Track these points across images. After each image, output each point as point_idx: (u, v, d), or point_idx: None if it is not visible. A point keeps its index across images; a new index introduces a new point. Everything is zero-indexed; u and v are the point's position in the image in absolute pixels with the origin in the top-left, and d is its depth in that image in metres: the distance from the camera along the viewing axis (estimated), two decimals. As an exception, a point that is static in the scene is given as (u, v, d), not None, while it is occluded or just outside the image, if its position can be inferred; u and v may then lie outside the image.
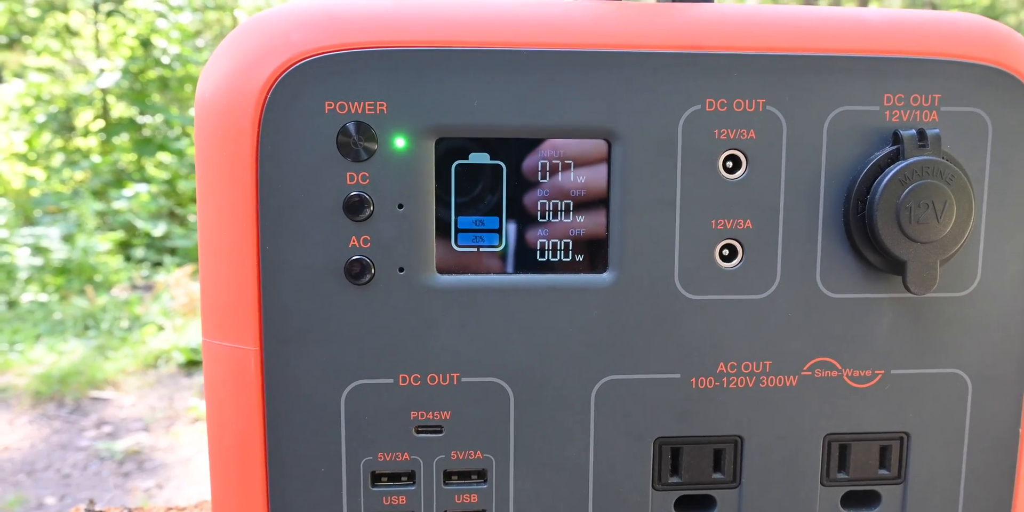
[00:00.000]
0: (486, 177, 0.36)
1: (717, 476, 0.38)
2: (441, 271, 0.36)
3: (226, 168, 0.35)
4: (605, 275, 0.37)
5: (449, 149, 0.36)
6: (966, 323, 0.38)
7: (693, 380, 0.37)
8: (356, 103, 0.34)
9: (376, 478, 0.37)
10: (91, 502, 0.51)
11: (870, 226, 0.36)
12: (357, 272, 0.35)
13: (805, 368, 0.38)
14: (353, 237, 0.35)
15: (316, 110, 0.34)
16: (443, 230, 0.36)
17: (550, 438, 0.37)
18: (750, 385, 0.37)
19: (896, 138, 0.36)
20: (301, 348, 0.36)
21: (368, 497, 0.37)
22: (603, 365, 0.37)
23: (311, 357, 0.36)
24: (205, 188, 0.36)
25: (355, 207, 0.35)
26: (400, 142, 0.35)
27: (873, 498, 0.39)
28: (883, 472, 0.39)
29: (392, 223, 0.35)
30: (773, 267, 0.37)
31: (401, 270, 0.36)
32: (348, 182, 0.35)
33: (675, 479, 0.38)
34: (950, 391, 0.38)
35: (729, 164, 0.36)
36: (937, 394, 0.38)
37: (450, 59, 0.34)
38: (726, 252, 0.37)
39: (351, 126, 0.34)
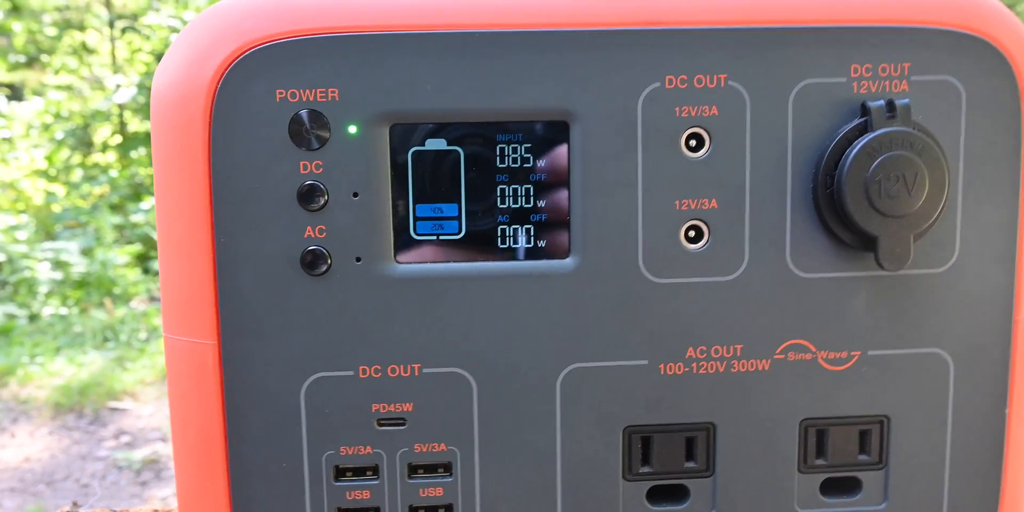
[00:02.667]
0: (443, 163, 0.35)
1: (690, 465, 0.37)
2: (400, 260, 0.36)
3: (179, 160, 0.35)
4: (567, 260, 0.36)
5: (404, 135, 0.35)
6: (945, 300, 0.37)
7: (662, 366, 0.36)
8: (307, 91, 0.34)
9: (339, 472, 0.36)
10: (75, 504, 0.51)
11: (839, 201, 0.34)
12: (313, 262, 0.35)
13: (778, 351, 0.37)
14: (308, 227, 0.35)
15: (267, 98, 0.34)
16: (401, 218, 0.36)
17: (516, 429, 0.36)
18: (721, 370, 0.37)
19: (864, 110, 0.35)
20: (259, 341, 0.35)
21: (331, 492, 0.36)
22: (568, 352, 0.36)
23: (269, 350, 0.35)
24: (161, 181, 0.35)
25: (309, 196, 0.34)
26: (353, 129, 0.34)
27: (853, 485, 0.38)
28: (863, 457, 0.38)
29: (347, 212, 0.35)
30: (741, 247, 0.36)
31: (358, 260, 0.35)
32: (301, 171, 0.34)
33: (646, 469, 0.37)
34: (931, 372, 0.37)
35: (692, 142, 0.35)
36: (917, 375, 0.37)
37: (401, 43, 0.34)
38: (692, 233, 0.36)
39: (303, 114, 0.34)
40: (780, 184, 0.36)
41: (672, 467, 0.37)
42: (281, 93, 0.34)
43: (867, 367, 0.37)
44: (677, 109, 0.35)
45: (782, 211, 0.36)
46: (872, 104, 0.34)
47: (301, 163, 0.34)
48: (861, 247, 0.36)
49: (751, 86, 0.35)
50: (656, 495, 0.38)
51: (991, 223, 0.36)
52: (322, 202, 0.34)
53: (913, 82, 0.35)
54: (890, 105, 0.34)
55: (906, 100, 0.34)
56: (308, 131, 0.34)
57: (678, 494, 0.38)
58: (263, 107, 0.34)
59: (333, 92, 0.34)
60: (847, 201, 0.34)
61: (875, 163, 0.34)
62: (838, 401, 0.37)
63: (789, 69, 0.35)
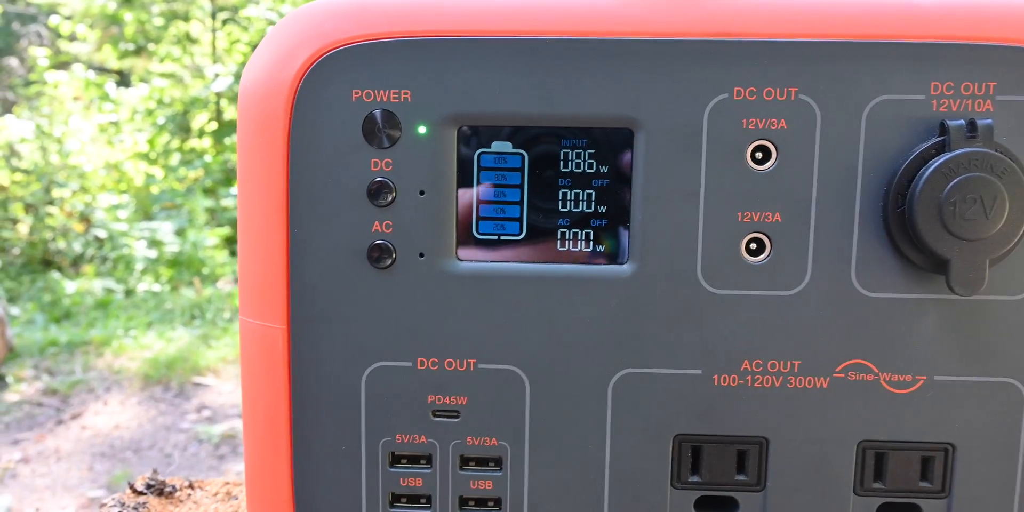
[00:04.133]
0: (508, 166, 0.36)
1: (740, 478, 0.37)
2: (461, 258, 0.37)
3: (261, 153, 0.37)
4: (625, 266, 0.36)
5: (472, 137, 0.36)
6: (1020, 329, 0.35)
7: (715, 377, 0.36)
8: (381, 91, 0.35)
9: (395, 459, 0.38)
10: (155, 472, 0.55)
11: (910, 221, 0.34)
12: (379, 256, 0.36)
13: (837, 370, 0.36)
14: (376, 222, 0.36)
15: (344, 98, 0.35)
16: (464, 217, 0.37)
17: (566, 429, 0.37)
18: (776, 385, 0.36)
19: (943, 128, 0.34)
20: (324, 328, 0.37)
21: (386, 477, 0.38)
22: (622, 357, 0.36)
23: (334, 337, 0.37)
24: (244, 174, 0.38)
25: (378, 193, 0.36)
26: (423, 130, 0.36)
27: (913, 511, 0.37)
28: (924, 485, 0.37)
29: (413, 209, 0.36)
30: (804, 262, 0.36)
31: (421, 256, 0.36)
32: (372, 168, 0.36)
33: (695, 478, 0.37)
34: (1002, 402, 0.36)
35: (758, 155, 0.35)
36: (987, 404, 0.36)
37: (473, 48, 0.35)
38: (753, 246, 0.36)
39: (376, 113, 0.35)
40: (848, 201, 0.35)
41: (722, 479, 0.37)
42: (357, 93, 0.35)
43: (932, 393, 0.36)
44: (744, 121, 0.35)
45: (849, 228, 0.35)
46: (951, 123, 0.33)
47: (372, 161, 0.36)
48: (932, 269, 0.35)
49: (823, 100, 0.35)
50: (704, 506, 0.38)
51: (1075, 249, 0.35)
52: (390, 199, 0.36)
53: (998, 102, 0.34)
54: (971, 124, 0.33)
55: (989, 120, 0.33)
56: (380, 130, 0.35)
57: (726, 506, 0.38)
58: (340, 106, 0.35)
59: (406, 93, 0.35)
60: (918, 221, 0.33)
61: (951, 184, 0.33)
62: (900, 425, 0.36)
63: (864, 84, 0.34)
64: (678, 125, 0.35)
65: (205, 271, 3.92)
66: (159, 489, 0.53)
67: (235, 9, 4.99)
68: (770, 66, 0.34)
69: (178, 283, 3.83)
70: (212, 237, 4.07)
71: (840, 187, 0.35)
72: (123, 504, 0.51)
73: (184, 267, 3.92)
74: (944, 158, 0.33)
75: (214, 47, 5.10)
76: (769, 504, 0.37)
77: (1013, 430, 0.36)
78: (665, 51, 0.34)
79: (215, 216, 4.38)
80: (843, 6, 0.35)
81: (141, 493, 0.53)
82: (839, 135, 0.35)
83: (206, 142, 5.02)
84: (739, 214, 0.35)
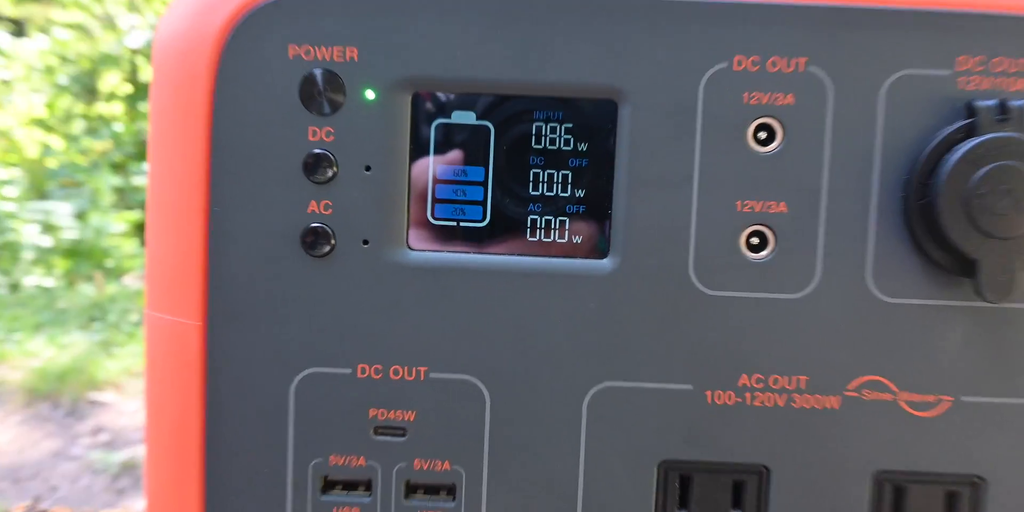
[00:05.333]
0: (471, 140, 0.37)
1: (734, 512, 0.38)
2: (413, 246, 0.37)
3: (178, 119, 0.37)
4: (606, 261, 0.37)
5: (428, 105, 0.37)
6: (1059, 343, 0.36)
7: (708, 393, 0.37)
8: (324, 48, 0.36)
9: (328, 485, 0.38)
10: (35, 501, 0.55)
11: (934, 215, 0.35)
12: (314, 242, 0.37)
13: (850, 387, 0.37)
14: (312, 201, 0.37)
15: (279, 55, 0.36)
16: (418, 199, 0.37)
17: (532, 452, 0.37)
18: (780, 404, 0.37)
19: (970, 110, 0.35)
20: (249, 326, 0.37)
21: (317, 507, 0.38)
22: (600, 368, 0.37)
23: (259, 337, 0.37)
24: (157, 142, 0.38)
25: (316, 167, 0.36)
26: (371, 95, 0.36)
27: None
28: (948, 523, 0.38)
29: (357, 187, 0.36)
30: (812, 260, 0.37)
31: (366, 243, 0.37)
32: (310, 138, 0.36)
33: None
34: (1037, 427, 0.37)
35: (761, 135, 0.36)
36: (1022, 430, 0.37)
37: (433, 0, 0.35)
38: (754, 240, 0.37)
39: (317, 74, 0.36)
40: (864, 189, 0.36)
41: (712, 512, 0.37)
42: (295, 49, 0.36)
43: (959, 415, 0.37)
44: (746, 95, 0.36)
45: (864, 221, 0.36)
46: (980, 104, 0.34)
47: (310, 129, 0.36)
48: (959, 272, 0.36)
49: (836, 73, 0.35)
50: (687, 542, 0.38)
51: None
52: (330, 174, 0.36)
53: (1036, 79, 0.35)
54: (1003, 106, 0.34)
55: (1022, 101, 0.34)
56: (321, 94, 0.36)
57: (713, 544, 0.38)
58: (274, 64, 0.36)
59: (352, 52, 0.36)
60: (943, 216, 0.34)
61: (979, 173, 0.34)
62: (922, 453, 0.37)
63: (883, 56, 0.35)
64: (669, 98, 0.36)
65: (109, 264, 3.88)
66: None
67: (157, -54, 4.94)
68: (776, 32, 0.35)
69: (76, 277, 3.78)
70: (119, 222, 4.02)
71: (855, 173, 0.36)
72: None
73: (84, 258, 3.88)
74: (972, 143, 0.34)
75: (130, -8, 5.04)
76: (766, 543, 0.38)
77: (1050, 461, 0.37)
78: (656, 10, 0.35)
79: (124, 197, 4.33)
80: (864, -36, 0.36)
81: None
82: (853, 113, 0.36)
83: (117, 108, 4.96)
84: (738, 203, 0.36)
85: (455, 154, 0.37)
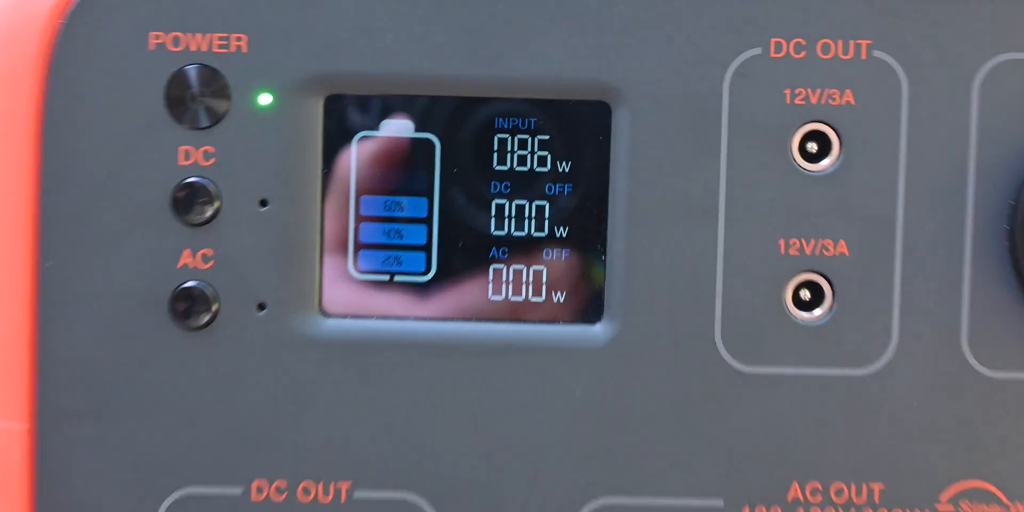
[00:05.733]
0: (409, 160, 0.34)
1: None
2: (328, 311, 0.34)
3: (-3, 137, 0.34)
4: (599, 327, 0.34)
5: (348, 113, 0.34)
6: None
7: (747, 510, 0.34)
8: (198, 36, 0.33)
9: None
10: None
11: (1053, 256, 0.32)
12: (188, 309, 0.33)
13: (944, 498, 0.34)
14: (186, 251, 0.33)
15: (135, 46, 0.32)
16: (335, 245, 0.34)
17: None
18: (847, 524, 0.35)
19: (1096, 110, 0.33)
20: (94, 429, 0.33)
21: None
22: (594, 479, 0.34)
23: (111, 446, 0.33)
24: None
25: (190, 202, 0.33)
26: (266, 99, 0.33)
27: None
28: None
29: (249, 230, 0.33)
30: (887, 321, 0.33)
31: (261, 308, 0.33)
32: (181, 161, 0.33)
33: None
34: None
35: (811, 147, 0.33)
36: None
37: (352, -33, 0.34)
38: (805, 294, 0.33)
39: (189, 72, 0.33)
40: (955, 221, 0.33)
41: None
42: (158, 38, 0.32)
43: None
44: (788, 92, 0.33)
45: (957, 265, 0.33)
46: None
47: (182, 149, 0.33)
48: (1088, 332, 0.34)
49: (911, 60, 0.33)
50: None
51: None
52: (209, 213, 0.33)
53: None
54: None
55: None
56: (195, 99, 0.33)
57: None
58: (129, 58, 0.32)
59: (238, 39, 0.32)
60: (1068, 255, 0.32)
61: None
62: None
63: (975, 38, 0.33)
64: (681, 97, 0.33)
65: None
66: None
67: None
68: (829, 7, 0.33)
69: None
70: None
71: (940, 198, 0.33)
72: None
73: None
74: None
75: None
76: None
77: None
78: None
79: None
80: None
81: None
82: (937, 115, 0.33)
83: None
84: (781, 242, 0.33)
85: (387, 180, 0.34)
